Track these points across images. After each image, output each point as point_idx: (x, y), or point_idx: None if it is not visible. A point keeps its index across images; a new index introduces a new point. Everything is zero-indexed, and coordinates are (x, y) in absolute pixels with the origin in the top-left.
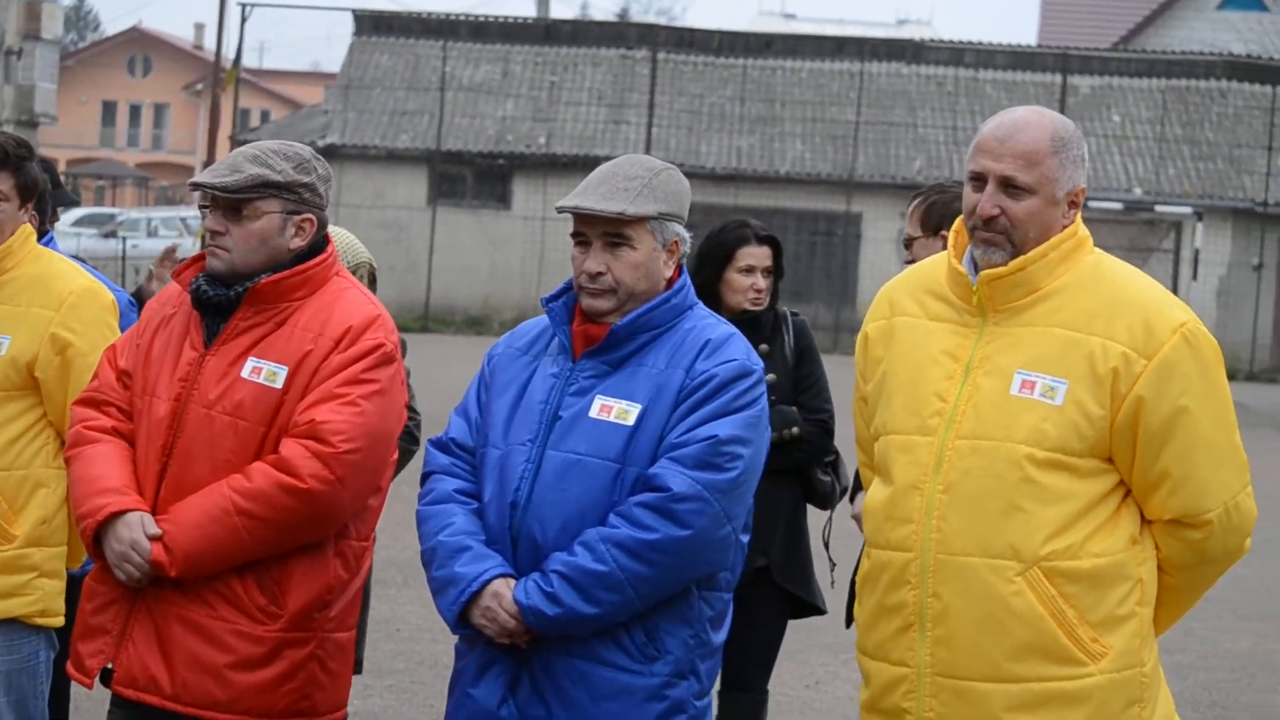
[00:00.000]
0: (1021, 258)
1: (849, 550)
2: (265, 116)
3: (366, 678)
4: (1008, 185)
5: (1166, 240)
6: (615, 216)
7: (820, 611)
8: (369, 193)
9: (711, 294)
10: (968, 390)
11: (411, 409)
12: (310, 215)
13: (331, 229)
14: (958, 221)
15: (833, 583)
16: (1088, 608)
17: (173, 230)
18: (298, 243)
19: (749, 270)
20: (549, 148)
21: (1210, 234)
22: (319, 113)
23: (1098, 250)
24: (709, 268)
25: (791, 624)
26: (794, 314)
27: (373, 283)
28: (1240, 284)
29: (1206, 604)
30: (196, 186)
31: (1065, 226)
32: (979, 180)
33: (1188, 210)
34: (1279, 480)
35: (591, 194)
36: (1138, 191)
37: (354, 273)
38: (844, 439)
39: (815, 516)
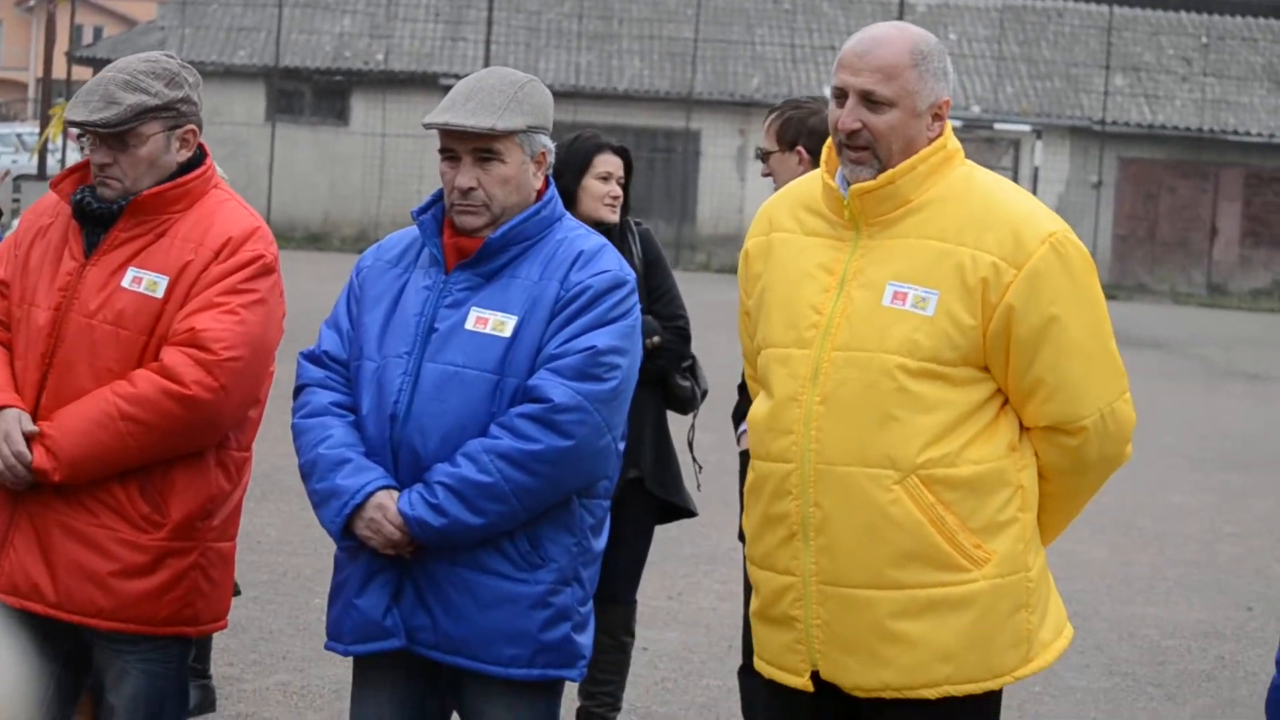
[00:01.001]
0: (890, 171)
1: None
2: (98, 33)
3: None
4: (867, 99)
5: (1005, 158)
6: (485, 132)
7: (692, 514)
8: (206, 109)
9: (568, 202)
10: (842, 303)
11: None
12: (191, 125)
13: None
14: (830, 138)
15: (698, 485)
16: (968, 514)
17: (9, 147)
18: (184, 154)
19: (606, 177)
20: (387, 64)
21: (1049, 152)
22: (155, 29)
23: (969, 163)
24: (567, 174)
25: (653, 534)
26: (638, 223)
27: None
28: (1079, 202)
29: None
30: (75, 125)
31: (932, 140)
32: (841, 96)
33: (1026, 128)
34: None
35: (459, 110)
36: (976, 110)
37: None
38: (709, 351)
39: (677, 422)
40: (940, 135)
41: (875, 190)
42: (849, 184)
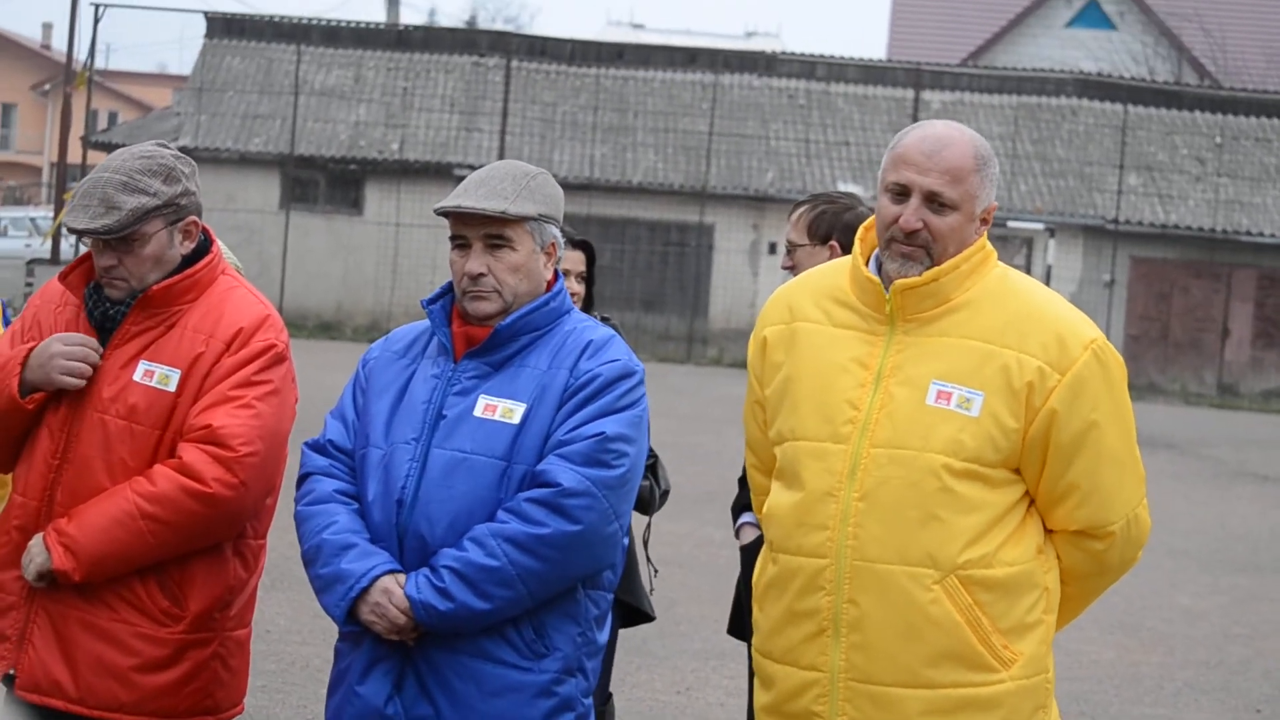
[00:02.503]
0: (936, 269)
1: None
2: (113, 118)
3: None
4: (933, 200)
5: (1019, 256)
6: (498, 215)
7: (649, 618)
8: (221, 196)
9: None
10: (880, 398)
11: None
12: (192, 217)
13: None
14: (864, 229)
15: (651, 590)
16: (999, 615)
17: (23, 230)
18: (187, 245)
19: (564, 275)
20: (402, 154)
21: (1062, 250)
22: (171, 115)
23: (1002, 264)
24: None
25: (660, 630)
26: (605, 319)
27: None
28: (1091, 301)
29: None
30: (78, 233)
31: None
32: (901, 192)
33: (1039, 226)
34: None
35: (471, 195)
36: None
37: None
38: (679, 446)
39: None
40: (980, 237)
41: (919, 287)
42: (889, 278)
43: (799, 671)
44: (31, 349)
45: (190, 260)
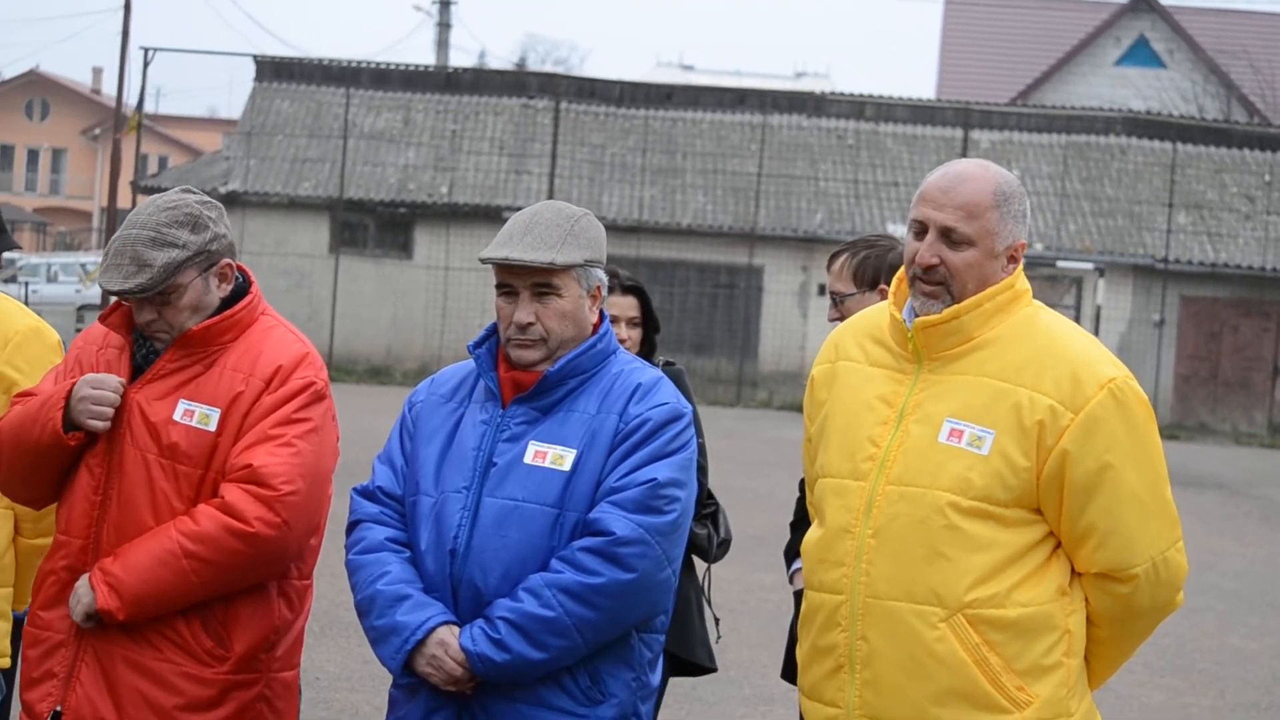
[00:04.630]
0: (956, 306)
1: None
2: (163, 162)
3: None
4: (948, 235)
5: (1068, 296)
6: (545, 266)
7: (703, 670)
8: (270, 240)
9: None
10: (899, 436)
11: None
12: (226, 261)
13: None
14: (900, 271)
15: (718, 638)
16: (1013, 656)
17: (72, 276)
18: (225, 288)
19: (612, 320)
20: (451, 197)
21: (1111, 290)
22: (220, 159)
23: (1036, 303)
24: None
25: (709, 675)
26: (669, 363)
27: None
28: (1141, 340)
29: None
30: (113, 294)
31: (1003, 279)
32: (920, 230)
33: (1089, 266)
34: (1187, 535)
35: (517, 244)
36: (1039, 247)
37: None
38: (728, 490)
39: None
40: (1011, 275)
41: (939, 325)
42: (916, 316)
43: (822, 707)
44: (72, 386)
45: (230, 301)
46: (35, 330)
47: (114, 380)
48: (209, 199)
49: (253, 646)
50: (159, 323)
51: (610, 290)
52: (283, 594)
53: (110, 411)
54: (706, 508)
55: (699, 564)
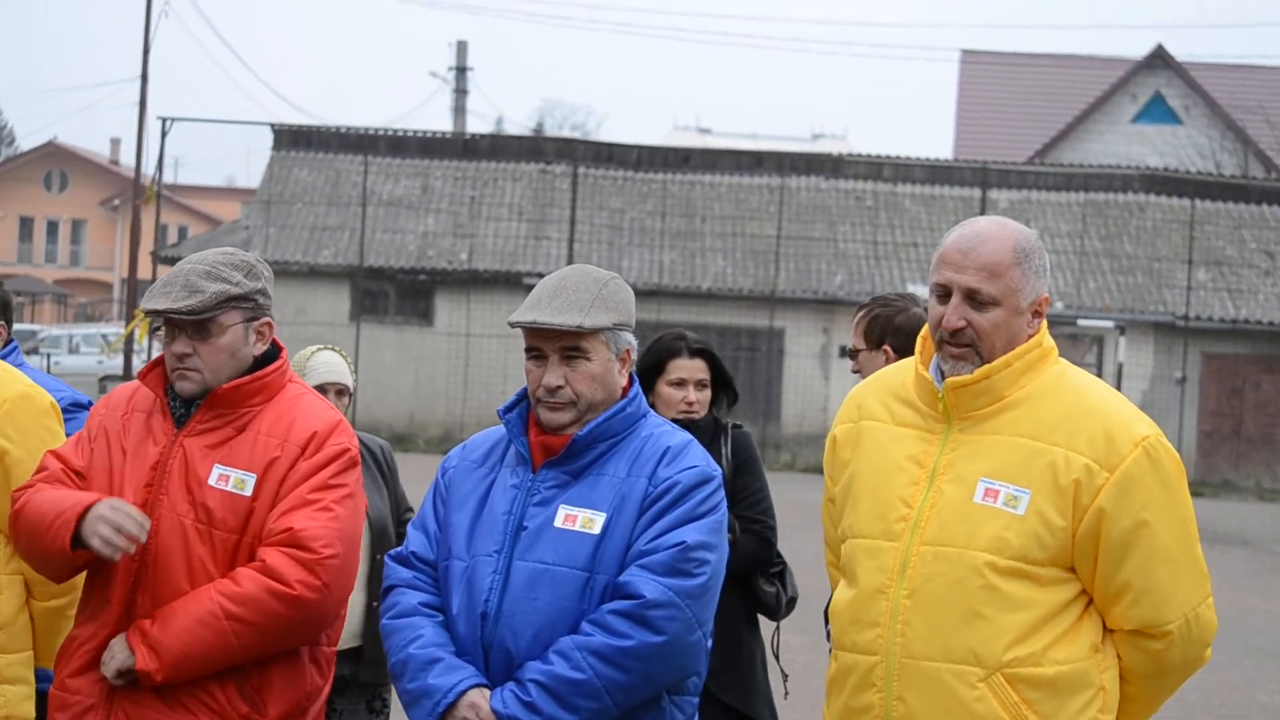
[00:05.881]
0: (987, 367)
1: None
2: (183, 232)
3: None
4: (972, 297)
5: (1089, 354)
6: (574, 330)
7: None
8: (291, 309)
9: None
10: (932, 497)
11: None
12: (268, 319)
13: (321, 350)
14: (925, 329)
15: (785, 694)
16: (1049, 714)
17: (94, 347)
18: (260, 347)
19: (680, 383)
20: (471, 263)
21: (1132, 348)
22: (239, 228)
23: (1063, 361)
24: (642, 379)
25: None
26: (736, 426)
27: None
28: (1163, 398)
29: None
30: (157, 314)
31: (1031, 335)
32: (944, 293)
33: (1109, 324)
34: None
35: (545, 308)
36: (1059, 305)
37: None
38: (795, 551)
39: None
40: (1038, 333)
41: (970, 385)
42: (944, 377)
43: None
44: (90, 505)
45: (259, 365)
46: (24, 396)
47: (138, 516)
48: (265, 263)
49: (287, 712)
50: (193, 359)
51: (678, 353)
52: (314, 660)
53: (127, 546)
54: (774, 566)
55: (765, 622)
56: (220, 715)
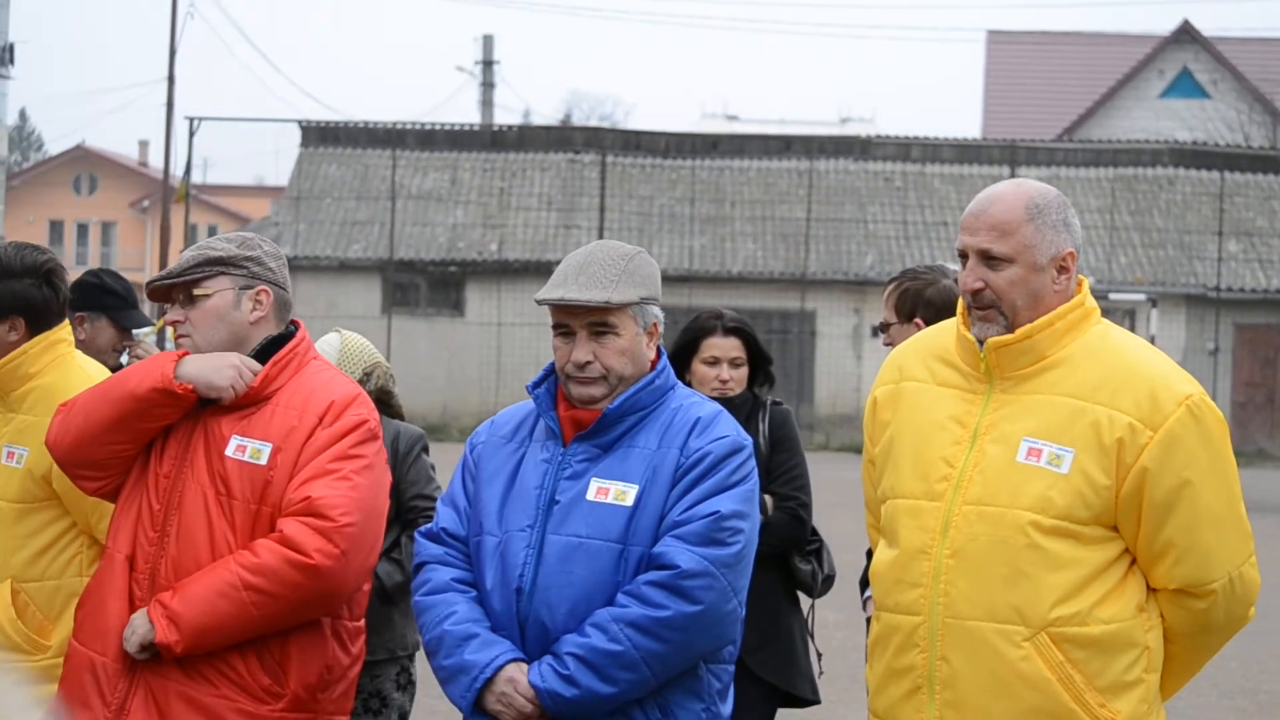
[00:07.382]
0: (1028, 325)
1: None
2: (213, 232)
3: None
4: (986, 257)
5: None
6: (601, 306)
7: (807, 701)
8: (322, 303)
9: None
10: (975, 456)
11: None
12: (264, 288)
13: (346, 334)
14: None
15: (820, 671)
16: (1095, 673)
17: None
18: (256, 315)
19: (714, 361)
20: (501, 254)
21: (1165, 320)
22: (269, 225)
23: (1105, 321)
24: (675, 359)
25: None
26: (775, 402)
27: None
28: (1196, 369)
29: (1190, 681)
30: (151, 283)
31: (1058, 291)
32: (964, 257)
33: (1141, 297)
34: None
35: (572, 285)
36: (1090, 280)
37: (367, 377)
38: (830, 530)
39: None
40: (1076, 290)
41: (1012, 345)
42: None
43: None
44: (186, 353)
45: (276, 346)
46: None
47: (256, 366)
48: (277, 247)
49: (308, 684)
50: (184, 325)
51: (711, 331)
52: (336, 634)
53: (241, 383)
54: (811, 544)
55: (804, 599)
56: (241, 686)
